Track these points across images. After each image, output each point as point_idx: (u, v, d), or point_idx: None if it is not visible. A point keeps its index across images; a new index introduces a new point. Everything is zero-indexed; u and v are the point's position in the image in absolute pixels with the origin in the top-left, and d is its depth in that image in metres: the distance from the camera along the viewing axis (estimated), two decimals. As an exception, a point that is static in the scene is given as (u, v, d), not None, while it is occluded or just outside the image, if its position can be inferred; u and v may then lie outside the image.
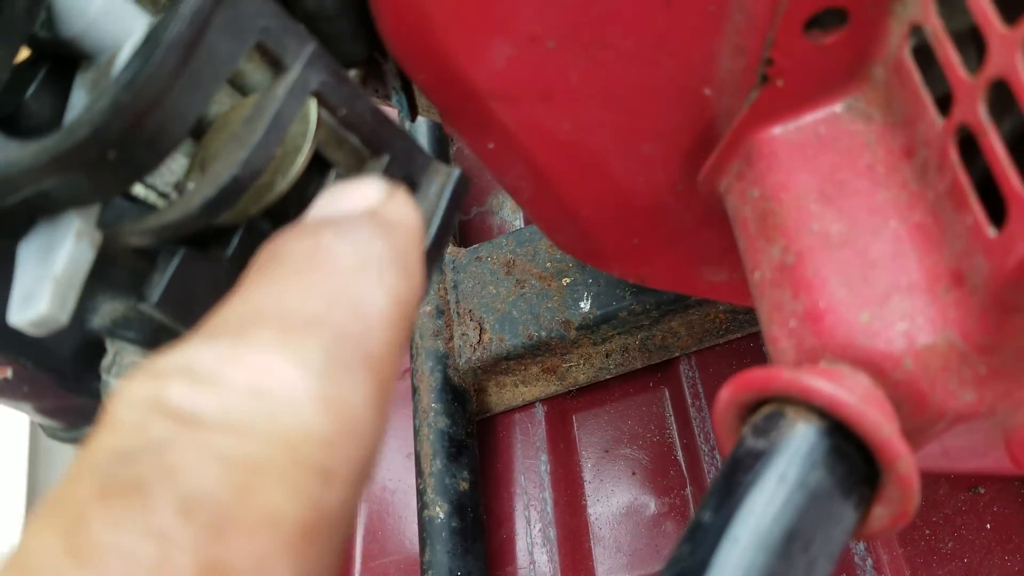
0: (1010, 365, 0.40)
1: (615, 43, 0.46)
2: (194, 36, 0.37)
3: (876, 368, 0.40)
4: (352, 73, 0.55)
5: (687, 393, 0.98)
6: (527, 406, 1.07)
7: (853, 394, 0.37)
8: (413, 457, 1.05)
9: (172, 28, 0.36)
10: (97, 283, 0.45)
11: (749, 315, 0.98)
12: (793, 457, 0.37)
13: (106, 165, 0.39)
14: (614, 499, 0.97)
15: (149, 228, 0.43)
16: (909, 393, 0.40)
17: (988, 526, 0.82)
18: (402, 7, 0.45)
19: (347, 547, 1.07)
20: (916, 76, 0.41)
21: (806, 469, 0.36)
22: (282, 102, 0.42)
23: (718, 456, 0.93)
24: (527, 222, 1.21)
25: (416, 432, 1.01)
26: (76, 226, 0.42)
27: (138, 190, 0.46)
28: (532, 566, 0.97)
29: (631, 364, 1.03)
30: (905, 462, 0.36)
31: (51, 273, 0.41)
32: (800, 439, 0.37)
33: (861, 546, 0.85)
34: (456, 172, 0.54)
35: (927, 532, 0.83)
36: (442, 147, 1.26)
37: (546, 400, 1.06)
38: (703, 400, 0.97)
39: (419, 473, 0.99)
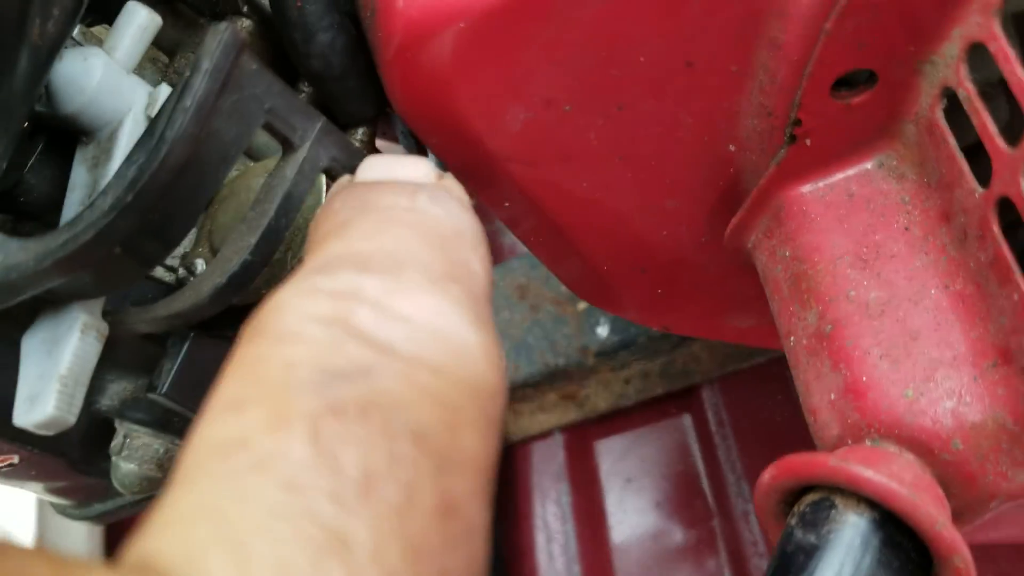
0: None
1: (634, 104, 0.44)
2: (199, 129, 0.35)
3: (924, 448, 0.38)
4: (361, 131, 0.54)
5: (711, 420, 0.96)
6: (545, 434, 1.05)
7: (904, 483, 0.36)
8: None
9: (176, 122, 0.34)
10: (104, 364, 0.43)
11: (770, 337, 0.96)
12: (848, 554, 0.35)
13: (112, 262, 0.37)
14: (639, 532, 0.95)
15: (157, 317, 0.42)
16: (959, 474, 0.38)
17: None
18: (413, 74, 0.43)
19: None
20: (950, 140, 0.40)
21: (862, 567, 0.35)
22: (292, 183, 0.40)
23: (745, 487, 0.91)
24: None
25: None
26: (81, 320, 0.40)
27: None
28: (557, 603, 0.95)
29: (652, 390, 1.01)
30: (961, 557, 0.35)
31: (57, 371, 0.39)
32: (852, 532, 0.36)
33: None
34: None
35: None
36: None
37: (565, 428, 1.04)
38: (728, 427, 0.95)
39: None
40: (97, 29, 0.51)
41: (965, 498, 0.38)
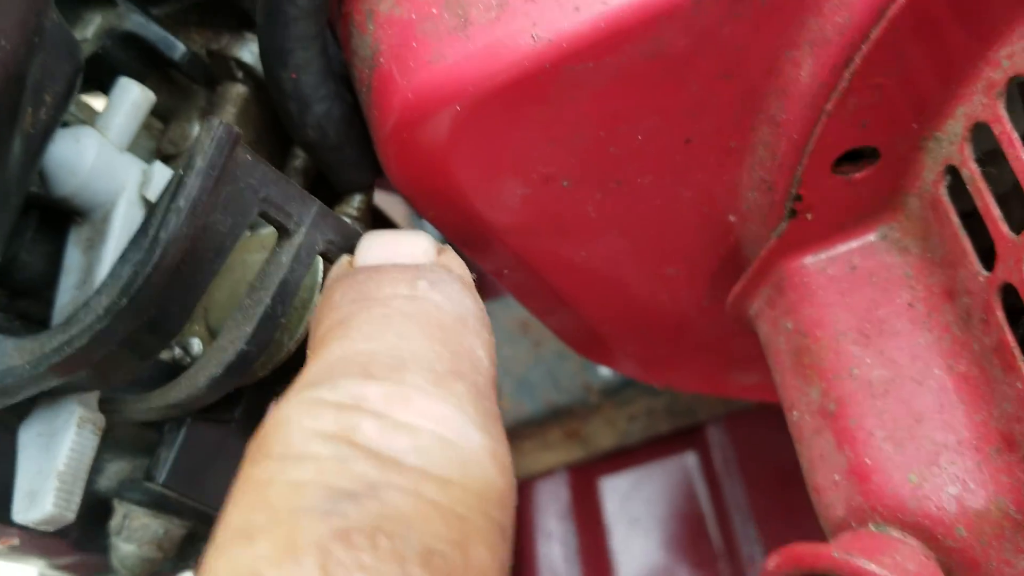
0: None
1: (632, 180, 0.43)
2: (193, 228, 0.35)
3: (928, 534, 0.38)
4: (358, 199, 0.53)
5: (716, 460, 0.96)
6: (550, 473, 1.05)
7: (907, 575, 0.35)
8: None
9: (170, 223, 0.34)
10: (102, 445, 0.43)
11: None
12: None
13: (108, 361, 0.37)
14: (645, 573, 0.94)
15: (154, 407, 0.42)
16: (963, 561, 0.38)
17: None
18: (409, 152, 0.43)
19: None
20: (954, 219, 0.39)
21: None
22: (288, 269, 0.40)
23: (752, 529, 0.90)
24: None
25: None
26: (78, 414, 0.40)
27: None
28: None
29: (657, 428, 1.00)
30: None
31: (54, 468, 0.39)
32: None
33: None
34: None
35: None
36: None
37: (570, 467, 1.04)
38: (734, 467, 0.94)
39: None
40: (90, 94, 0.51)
41: (970, 585, 0.38)
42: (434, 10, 0.40)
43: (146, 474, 0.44)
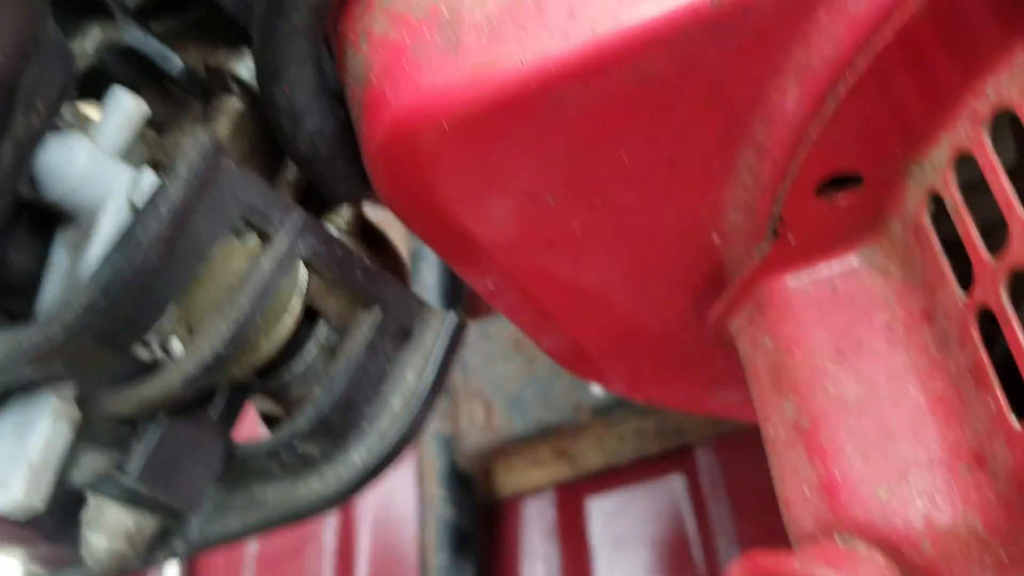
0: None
1: (617, 198, 0.44)
2: (174, 232, 0.35)
3: (893, 548, 0.38)
4: (347, 210, 0.54)
5: (704, 482, 0.96)
6: (537, 491, 1.05)
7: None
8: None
9: (150, 227, 0.35)
10: (79, 440, 0.43)
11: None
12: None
13: (83, 352, 0.37)
14: (627, 596, 0.94)
15: (129, 402, 0.42)
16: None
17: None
18: (397, 168, 0.43)
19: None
20: (936, 244, 0.40)
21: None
22: (268, 275, 0.41)
23: (736, 552, 0.90)
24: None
25: (422, 523, 0.99)
26: (52, 405, 0.40)
27: None
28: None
29: (646, 448, 1.00)
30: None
31: (26, 456, 0.39)
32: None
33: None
34: (451, 318, 0.53)
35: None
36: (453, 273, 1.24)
37: (557, 485, 1.04)
38: (722, 490, 0.95)
39: (423, 567, 0.97)
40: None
41: (934, 601, 0.38)
42: (427, 34, 0.41)
43: (119, 468, 0.45)
